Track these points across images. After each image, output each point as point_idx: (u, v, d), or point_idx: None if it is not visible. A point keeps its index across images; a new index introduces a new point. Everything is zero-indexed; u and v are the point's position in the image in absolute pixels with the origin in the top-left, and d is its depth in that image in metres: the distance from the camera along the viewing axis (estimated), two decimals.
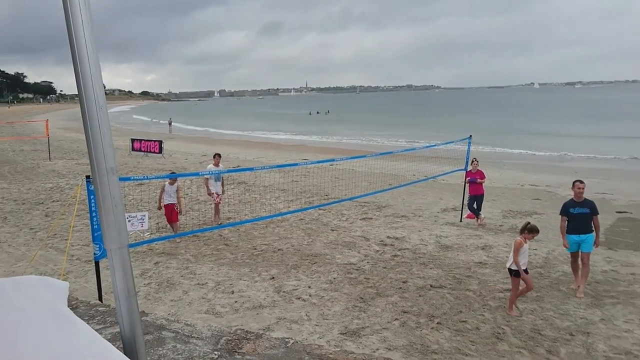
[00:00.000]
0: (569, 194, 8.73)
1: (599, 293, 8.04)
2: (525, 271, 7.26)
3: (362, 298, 7.78)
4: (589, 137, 39.32)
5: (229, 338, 3.82)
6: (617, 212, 13.68)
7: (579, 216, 8.15)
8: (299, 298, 7.78)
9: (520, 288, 7.37)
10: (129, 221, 8.30)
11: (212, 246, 10.56)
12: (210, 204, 13.43)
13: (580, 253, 8.20)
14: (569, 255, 8.55)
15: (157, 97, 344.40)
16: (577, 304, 7.61)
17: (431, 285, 8.31)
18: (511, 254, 7.38)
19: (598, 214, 8.23)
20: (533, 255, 9.91)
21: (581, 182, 8.33)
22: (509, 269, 7.40)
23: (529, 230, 7.28)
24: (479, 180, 12.41)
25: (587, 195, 8.38)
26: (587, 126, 48.88)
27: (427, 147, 15.54)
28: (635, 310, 7.36)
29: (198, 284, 8.38)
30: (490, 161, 23.65)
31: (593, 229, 8.19)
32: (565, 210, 8.33)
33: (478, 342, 6.40)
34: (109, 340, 1.94)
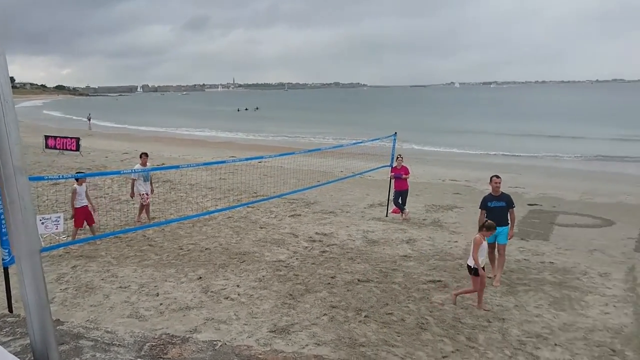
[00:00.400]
0: (487, 189, 9.22)
1: (513, 281, 8.57)
2: (483, 268, 7.43)
3: (291, 295, 7.80)
4: (505, 134, 41.81)
5: (154, 344, 3.69)
6: (529, 204, 14.64)
7: (496, 209, 8.58)
8: (227, 297, 7.66)
9: (466, 288, 7.70)
10: (43, 223, 7.79)
11: (136, 247, 10.15)
12: (133, 204, 12.90)
13: (496, 244, 8.68)
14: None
15: (74, 91, 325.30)
16: (493, 292, 8.06)
17: (359, 280, 8.48)
18: (471, 251, 7.52)
19: (514, 207, 8.72)
20: (454, 247, 10.40)
21: (498, 177, 8.79)
22: (468, 267, 7.55)
23: (487, 228, 7.47)
24: (404, 176, 12.81)
25: (502, 189, 8.87)
26: (501, 124, 51.92)
27: (354, 144, 15.84)
28: (544, 296, 7.92)
29: (120, 287, 8.03)
30: (414, 157, 24.49)
31: (509, 221, 8.68)
32: (484, 204, 8.74)
33: (403, 332, 6.62)
34: (17, 353, 1.80)
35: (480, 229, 7.56)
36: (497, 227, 8.51)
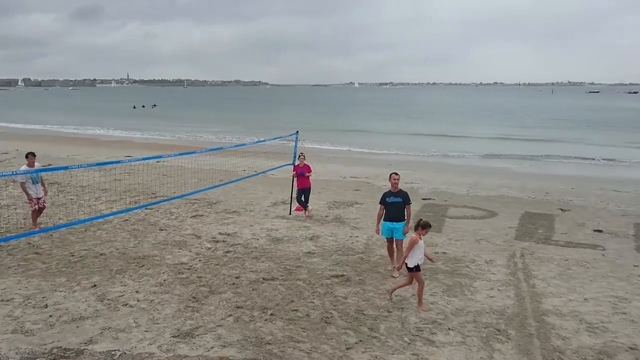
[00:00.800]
0: (385, 185, 9.63)
1: None
2: (418, 267, 7.55)
3: (194, 297, 7.60)
4: (400, 133, 43.96)
5: (44, 359, 3.42)
6: (423, 199, 15.53)
7: (394, 205, 8.99)
8: (125, 304, 7.29)
9: (403, 283, 7.82)
10: None
11: (19, 256, 9.30)
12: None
13: (394, 239, 9.11)
14: (386, 240, 9.43)
15: None
16: (393, 283, 8.46)
17: (264, 279, 8.48)
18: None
19: (410, 203, 9.17)
20: (355, 242, 10.75)
21: (396, 174, 9.25)
22: (407, 266, 7.61)
23: (423, 226, 7.51)
24: (306, 174, 12.99)
25: (399, 185, 9.32)
26: (396, 123, 54.56)
27: (256, 142, 15.76)
28: (438, 285, 8.46)
29: (1, 300, 7.32)
30: (315, 156, 24.93)
31: (405, 217, 9.12)
32: (383, 200, 9.13)
33: (309, 328, 6.73)
34: None
35: (416, 227, 7.49)
36: (394, 223, 8.97)
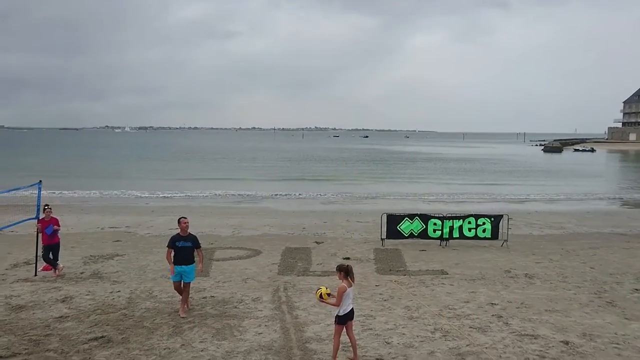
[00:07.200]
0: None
1: (179, 322, 8.73)
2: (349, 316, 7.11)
3: None
4: (163, 179, 42.72)
5: None
6: None
7: (184, 249, 9.00)
8: None
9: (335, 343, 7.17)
10: None
11: None
12: None
13: (182, 283, 9.04)
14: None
15: None
16: (160, 336, 8.04)
17: (1, 357, 7.13)
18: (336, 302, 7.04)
19: (200, 247, 9.29)
20: (117, 297, 9.92)
21: (185, 218, 9.25)
22: (336, 316, 7.06)
23: (346, 273, 7.01)
24: (55, 227, 11.56)
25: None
26: (157, 166, 52.97)
27: None
28: (208, 330, 8.37)
29: None
30: (66, 206, 22.40)
31: (194, 260, 9.12)
32: (172, 243, 9.06)
33: None
34: None
35: (347, 275, 7.05)
36: (183, 266, 8.96)
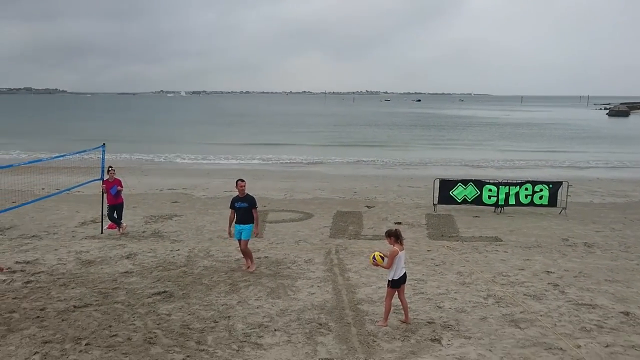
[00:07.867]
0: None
1: (235, 280, 9.09)
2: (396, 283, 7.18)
3: None
4: (217, 143, 43.75)
5: None
6: None
7: (242, 209, 9.49)
8: None
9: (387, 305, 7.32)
10: None
11: None
12: None
13: (240, 240, 9.50)
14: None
15: None
16: (218, 293, 8.41)
17: (75, 307, 7.70)
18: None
19: (256, 207, 9.65)
20: (176, 256, 10.41)
21: (242, 180, 9.68)
22: (389, 280, 7.23)
23: (396, 237, 7.10)
24: (118, 188, 12.15)
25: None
26: (213, 131, 54.15)
27: (56, 157, 14.16)
28: (262, 288, 8.67)
29: None
30: (127, 168, 23.40)
31: (252, 220, 9.53)
32: (232, 204, 9.60)
33: (131, 352, 6.33)
34: None
35: (397, 240, 7.10)
36: (242, 224, 9.45)
